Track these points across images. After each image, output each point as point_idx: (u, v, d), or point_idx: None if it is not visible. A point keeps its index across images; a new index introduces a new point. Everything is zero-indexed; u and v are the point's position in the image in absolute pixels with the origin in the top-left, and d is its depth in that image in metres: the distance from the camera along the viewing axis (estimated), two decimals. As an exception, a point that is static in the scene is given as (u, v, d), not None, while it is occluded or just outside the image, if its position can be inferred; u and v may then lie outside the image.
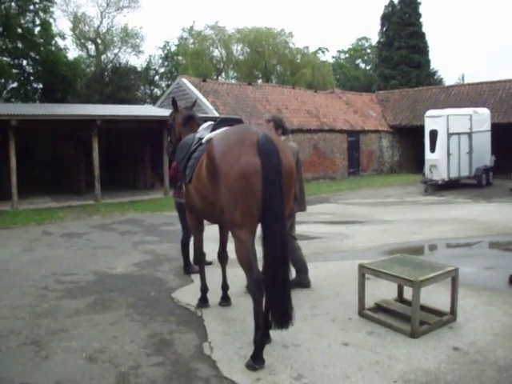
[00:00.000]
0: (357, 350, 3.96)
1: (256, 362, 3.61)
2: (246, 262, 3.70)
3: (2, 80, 28.92)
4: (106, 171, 18.69)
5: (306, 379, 3.46)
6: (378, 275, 4.54)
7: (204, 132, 4.77)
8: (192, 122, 5.60)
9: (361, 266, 4.68)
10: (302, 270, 5.74)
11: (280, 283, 3.56)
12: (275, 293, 3.57)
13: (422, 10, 33.81)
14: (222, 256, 5.20)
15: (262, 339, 3.68)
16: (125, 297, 5.56)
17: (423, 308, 4.67)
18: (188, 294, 5.55)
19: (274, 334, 4.19)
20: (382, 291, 5.34)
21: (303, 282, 5.73)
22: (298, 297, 5.31)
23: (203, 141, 4.49)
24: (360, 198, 15.44)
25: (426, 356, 3.83)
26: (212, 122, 4.97)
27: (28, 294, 5.74)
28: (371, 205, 13.78)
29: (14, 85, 30.11)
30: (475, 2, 75.67)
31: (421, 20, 33.37)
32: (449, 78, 48.51)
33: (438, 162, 16.26)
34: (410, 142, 24.20)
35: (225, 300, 5.17)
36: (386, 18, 34.77)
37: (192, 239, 5.77)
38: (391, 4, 34.55)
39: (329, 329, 4.40)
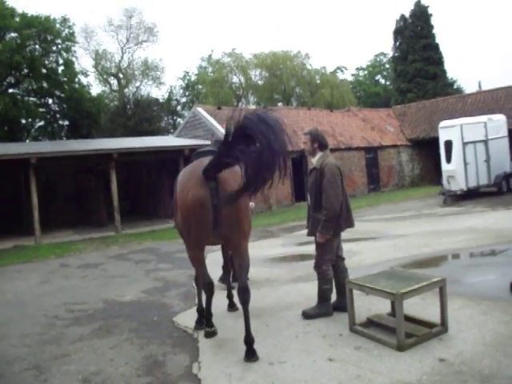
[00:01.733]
0: (341, 365, 4.03)
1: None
2: (200, 272, 4.92)
3: (30, 119, 30.22)
4: (127, 202, 19.21)
5: (285, 394, 3.56)
6: (363, 290, 4.62)
7: None
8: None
9: (348, 282, 4.76)
10: (343, 293, 5.30)
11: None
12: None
13: (434, 21, 33.95)
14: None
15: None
16: (128, 322, 5.77)
17: (415, 320, 4.72)
18: (188, 318, 5.70)
19: (262, 352, 4.33)
20: (378, 306, 5.39)
21: (342, 305, 5.28)
22: (293, 315, 5.45)
23: None
24: (377, 214, 15.37)
25: (410, 369, 3.86)
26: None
27: (38, 323, 6.02)
28: (387, 220, 13.72)
29: (41, 123, 31.45)
30: (490, 7, 75.02)
31: (433, 31, 33.45)
32: (470, 86, 47.99)
33: (455, 172, 16.10)
34: (430, 154, 23.92)
35: (231, 306, 5.92)
36: (398, 33, 34.88)
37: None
38: (403, 18, 34.71)
39: (317, 345, 4.48)
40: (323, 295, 5.34)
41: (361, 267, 7.71)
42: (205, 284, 4.83)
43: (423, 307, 5.20)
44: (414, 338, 4.33)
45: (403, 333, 4.24)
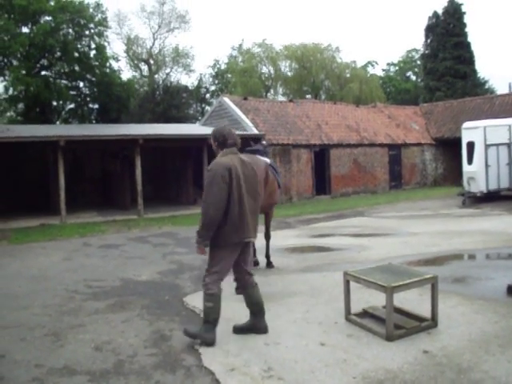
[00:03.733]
0: (331, 349, 4.34)
1: None
2: None
3: (61, 102, 31.07)
4: (151, 187, 19.75)
5: (274, 371, 3.89)
6: (359, 281, 4.90)
7: None
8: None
9: (345, 273, 5.06)
10: (256, 313, 4.83)
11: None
12: None
13: (467, 19, 33.52)
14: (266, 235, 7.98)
15: None
16: (141, 300, 6.19)
17: (408, 314, 4.99)
18: (197, 298, 6.07)
19: (260, 333, 4.70)
20: (377, 299, 5.65)
21: (257, 327, 4.81)
22: (294, 302, 5.78)
23: None
24: (395, 212, 15.52)
25: (394, 357, 4.14)
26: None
27: (59, 295, 6.51)
28: (403, 218, 13.87)
29: (72, 106, 32.28)
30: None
31: (466, 30, 33.07)
32: (502, 87, 46.83)
33: (475, 174, 16.10)
34: (454, 154, 23.73)
35: (269, 265, 7.83)
36: (430, 30, 34.53)
37: None
38: (435, 15, 34.30)
39: (312, 331, 4.80)
40: (205, 314, 4.63)
41: (368, 261, 7.96)
42: None
43: (419, 303, 5.46)
44: (403, 330, 4.61)
45: (392, 324, 4.52)
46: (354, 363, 4.03)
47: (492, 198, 16.42)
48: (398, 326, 4.65)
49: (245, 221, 4.56)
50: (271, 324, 4.99)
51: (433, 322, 4.80)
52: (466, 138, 16.57)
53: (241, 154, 5.01)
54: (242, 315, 5.32)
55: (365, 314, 5.16)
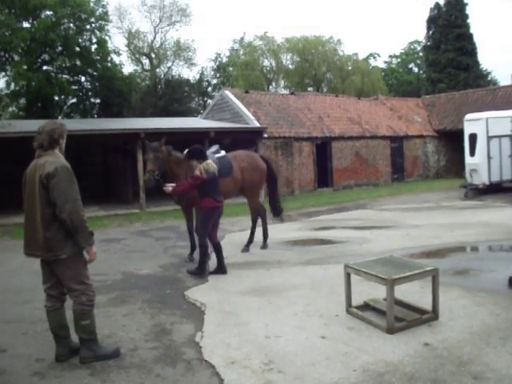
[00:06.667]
0: (331, 342, 4.34)
1: None
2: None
3: (62, 96, 31.05)
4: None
5: (274, 364, 3.90)
6: (359, 274, 4.90)
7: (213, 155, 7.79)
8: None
9: (345, 266, 5.05)
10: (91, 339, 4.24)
11: None
12: None
13: (469, 10, 33.40)
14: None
15: None
16: (143, 293, 6.20)
17: (409, 306, 4.99)
18: (199, 292, 6.11)
19: (260, 326, 4.71)
20: (379, 291, 5.65)
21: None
22: (296, 295, 5.78)
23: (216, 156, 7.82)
24: (397, 204, 15.48)
25: (394, 350, 4.14)
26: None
27: (61, 290, 6.50)
28: (405, 210, 13.84)
29: (74, 100, 32.25)
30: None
31: (468, 21, 32.85)
32: (506, 78, 46.37)
33: (477, 165, 16.03)
34: (457, 146, 23.65)
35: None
36: (432, 21, 34.28)
37: None
38: (437, 6, 34.05)
39: (313, 324, 4.80)
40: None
41: (369, 254, 7.93)
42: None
43: (420, 295, 5.45)
44: (404, 323, 4.61)
45: (393, 316, 4.51)
46: (354, 356, 4.03)
47: (494, 190, 16.34)
48: (399, 318, 4.65)
49: (25, 233, 4.23)
50: (272, 317, 5.01)
51: (434, 314, 4.80)
52: (468, 130, 16.48)
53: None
54: (243, 309, 5.36)
55: (366, 306, 5.16)
